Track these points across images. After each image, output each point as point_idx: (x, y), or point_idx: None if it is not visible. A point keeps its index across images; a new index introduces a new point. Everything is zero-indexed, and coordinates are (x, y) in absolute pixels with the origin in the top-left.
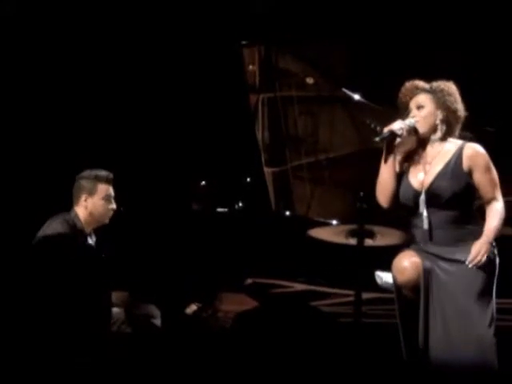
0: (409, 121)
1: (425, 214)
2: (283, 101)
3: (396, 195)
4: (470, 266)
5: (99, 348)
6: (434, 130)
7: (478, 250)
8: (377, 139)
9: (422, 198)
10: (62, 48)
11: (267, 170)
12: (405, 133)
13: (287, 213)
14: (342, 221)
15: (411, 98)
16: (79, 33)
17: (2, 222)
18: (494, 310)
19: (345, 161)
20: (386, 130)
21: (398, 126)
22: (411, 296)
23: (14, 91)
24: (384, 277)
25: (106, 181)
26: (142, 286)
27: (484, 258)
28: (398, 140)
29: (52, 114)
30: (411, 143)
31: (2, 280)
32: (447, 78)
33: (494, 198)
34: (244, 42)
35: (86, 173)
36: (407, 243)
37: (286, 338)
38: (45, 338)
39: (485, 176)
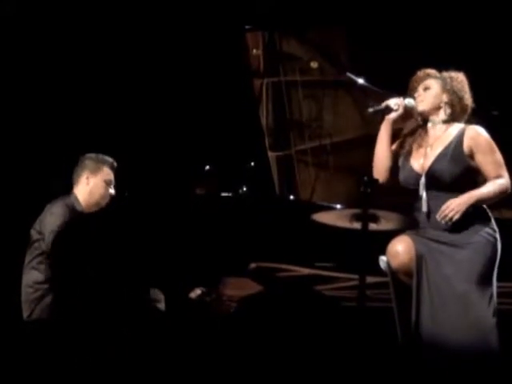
0: (408, 100)
1: (424, 196)
2: (287, 85)
3: (391, 171)
4: (438, 219)
5: (104, 336)
6: (437, 110)
7: (448, 204)
8: (370, 110)
9: (422, 180)
10: (62, 47)
11: (271, 155)
12: (401, 109)
13: (291, 197)
14: (346, 205)
15: (420, 84)
16: (78, 28)
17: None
18: (494, 293)
19: (349, 145)
20: (383, 103)
21: (394, 101)
22: (406, 280)
23: (15, 90)
24: None
25: (110, 166)
26: (146, 270)
27: (451, 214)
28: (393, 114)
29: (54, 108)
30: (414, 124)
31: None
32: (449, 60)
33: (498, 176)
34: (248, 27)
35: (92, 154)
36: (407, 227)
37: (290, 322)
38: (47, 328)
39: (487, 157)
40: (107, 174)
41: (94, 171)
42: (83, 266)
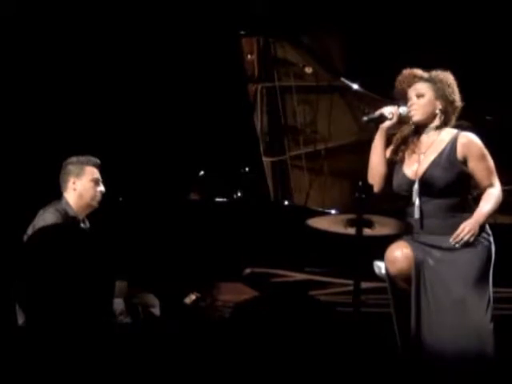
0: (402, 109)
1: (417, 203)
2: (282, 90)
3: (386, 180)
4: (452, 242)
5: (100, 341)
6: (431, 118)
7: (463, 228)
8: (365, 119)
9: (416, 187)
10: (61, 46)
11: (266, 160)
12: (395, 118)
13: (286, 202)
14: (341, 210)
15: (409, 86)
16: (77, 26)
17: None
18: (491, 298)
19: (343, 150)
20: (377, 112)
21: (389, 109)
22: (404, 286)
23: (14, 90)
24: (382, 267)
25: (93, 164)
26: (141, 275)
27: (467, 238)
28: (387, 123)
29: (52, 109)
30: (407, 130)
31: None
32: (444, 65)
33: (490, 185)
34: (243, 32)
35: (73, 158)
36: (401, 233)
37: (284, 327)
38: (44, 333)
39: (479, 164)
40: (92, 173)
41: (79, 174)
42: (75, 271)
